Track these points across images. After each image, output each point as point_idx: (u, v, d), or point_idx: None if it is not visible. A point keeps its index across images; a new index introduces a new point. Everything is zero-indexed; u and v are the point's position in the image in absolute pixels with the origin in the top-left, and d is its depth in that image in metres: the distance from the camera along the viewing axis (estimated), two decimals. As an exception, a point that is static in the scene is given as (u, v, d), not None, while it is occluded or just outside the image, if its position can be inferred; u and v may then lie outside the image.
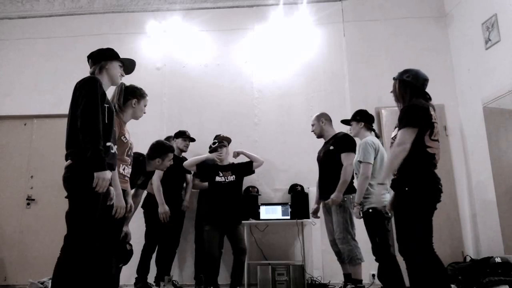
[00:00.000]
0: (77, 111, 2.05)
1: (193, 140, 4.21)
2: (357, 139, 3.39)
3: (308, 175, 4.23)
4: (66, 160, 2.09)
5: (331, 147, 3.47)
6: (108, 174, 2.03)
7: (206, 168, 3.84)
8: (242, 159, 4.02)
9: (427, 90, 2.41)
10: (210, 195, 3.81)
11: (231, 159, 4.01)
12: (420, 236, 2.18)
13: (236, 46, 5.10)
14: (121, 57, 2.41)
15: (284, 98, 4.88)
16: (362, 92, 4.73)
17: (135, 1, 5.26)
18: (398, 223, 2.29)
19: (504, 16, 3.84)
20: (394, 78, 2.47)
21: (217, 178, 3.76)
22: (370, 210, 2.95)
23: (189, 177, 4.20)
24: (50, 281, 3.88)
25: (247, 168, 3.89)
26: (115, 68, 2.37)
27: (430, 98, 2.39)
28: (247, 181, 4.52)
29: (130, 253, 2.92)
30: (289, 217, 4.19)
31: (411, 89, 2.36)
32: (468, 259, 4.01)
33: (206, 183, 3.95)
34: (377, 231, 2.96)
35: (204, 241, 3.65)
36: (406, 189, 2.23)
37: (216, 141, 3.89)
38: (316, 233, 4.40)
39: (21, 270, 4.55)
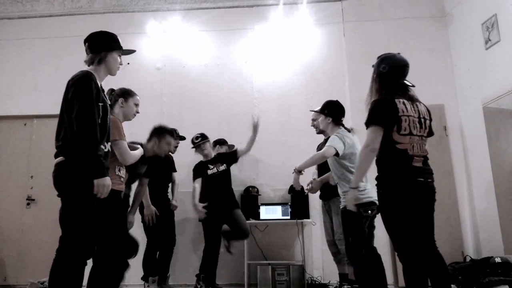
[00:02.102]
0: (71, 112, 1.96)
1: (183, 138, 4.17)
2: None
3: (308, 175, 4.22)
4: (55, 157, 2.02)
5: None
6: (108, 180, 1.97)
7: (198, 168, 3.99)
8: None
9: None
10: (206, 190, 3.88)
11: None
12: (407, 238, 2.08)
13: (236, 46, 5.10)
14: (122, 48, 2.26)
15: (284, 98, 4.89)
16: (362, 92, 4.64)
17: (135, 1, 5.27)
18: (385, 227, 2.19)
19: (504, 16, 3.84)
20: (372, 66, 2.36)
21: (209, 172, 3.88)
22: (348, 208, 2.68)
23: (175, 175, 4.15)
24: (50, 281, 3.88)
25: (233, 157, 4.00)
26: (115, 59, 2.21)
27: (407, 89, 2.25)
28: (247, 181, 4.53)
29: (136, 245, 2.90)
30: (289, 217, 4.19)
31: (385, 82, 2.25)
32: (468, 259, 4.01)
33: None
34: (351, 230, 2.71)
35: (204, 235, 3.74)
36: (380, 191, 2.16)
37: (199, 136, 4.02)
38: (316, 233, 4.40)
39: (21, 270, 4.55)
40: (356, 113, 4.65)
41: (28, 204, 4.76)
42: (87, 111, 1.93)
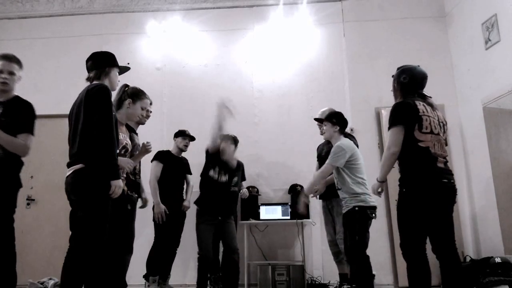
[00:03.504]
0: (91, 119, 2.07)
1: (193, 139, 4.17)
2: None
3: (308, 175, 4.22)
4: (71, 164, 2.10)
5: None
6: (121, 181, 2.14)
7: (210, 157, 3.66)
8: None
9: (427, 89, 2.45)
10: (206, 192, 3.65)
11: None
12: (419, 237, 2.16)
13: (236, 46, 5.10)
14: (118, 60, 2.43)
15: (284, 98, 4.89)
16: (362, 92, 4.74)
17: (135, 1, 5.27)
18: (399, 225, 2.26)
19: (504, 16, 3.84)
20: (392, 76, 2.49)
21: (210, 172, 3.59)
22: (357, 208, 2.82)
23: (190, 177, 4.17)
24: (50, 281, 3.90)
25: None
26: (116, 75, 2.40)
27: (425, 97, 2.41)
28: (247, 181, 4.52)
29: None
30: (289, 217, 4.19)
31: (406, 90, 2.39)
32: (468, 259, 4.01)
33: None
34: (358, 230, 2.81)
35: (197, 238, 3.59)
36: (404, 190, 2.23)
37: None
38: (316, 233, 4.40)
39: (21, 270, 4.52)
40: (356, 113, 4.67)
41: (28, 204, 4.76)
42: (108, 118, 2.09)
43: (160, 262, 3.77)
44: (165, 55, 5.11)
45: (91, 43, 4.70)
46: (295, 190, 4.34)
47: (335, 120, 3.11)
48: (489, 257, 3.62)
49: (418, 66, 2.47)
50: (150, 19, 5.19)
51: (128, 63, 4.92)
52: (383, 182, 2.41)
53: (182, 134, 4.08)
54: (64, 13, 5.31)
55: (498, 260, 3.51)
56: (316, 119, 3.64)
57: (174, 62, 5.09)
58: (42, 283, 3.86)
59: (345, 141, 3.02)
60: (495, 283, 3.35)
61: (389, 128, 2.29)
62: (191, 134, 4.15)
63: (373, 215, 2.84)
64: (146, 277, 3.73)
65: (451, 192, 2.22)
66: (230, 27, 5.14)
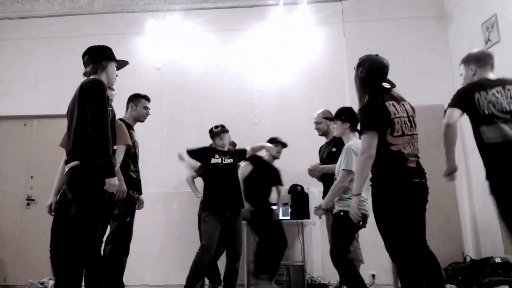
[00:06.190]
0: (85, 114, 2.06)
1: (285, 145, 4.24)
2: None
3: (308, 175, 4.22)
4: (69, 161, 2.09)
5: (334, 149, 3.37)
6: (116, 180, 2.08)
7: (204, 150, 3.62)
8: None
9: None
10: (209, 182, 3.54)
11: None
12: (400, 238, 2.11)
13: (236, 46, 5.10)
14: (117, 57, 2.43)
15: (284, 98, 4.89)
16: (362, 92, 4.73)
17: (135, 1, 5.27)
18: (378, 228, 2.20)
19: (504, 16, 3.84)
20: (354, 68, 2.36)
21: (213, 160, 3.49)
22: (342, 213, 2.68)
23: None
24: (50, 281, 3.90)
25: (242, 155, 3.74)
26: (113, 69, 2.38)
27: (390, 88, 2.27)
28: (247, 181, 4.52)
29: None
30: (289, 217, 4.19)
31: (366, 85, 2.26)
32: (468, 259, 4.01)
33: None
34: (341, 236, 2.69)
35: (201, 232, 3.52)
36: (376, 192, 2.17)
37: (218, 125, 3.64)
38: (316, 233, 4.40)
39: (21, 270, 4.55)
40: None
41: (28, 204, 4.76)
42: (101, 113, 2.05)
43: (269, 261, 3.82)
44: (165, 55, 5.11)
45: (91, 43, 4.66)
46: (295, 190, 4.33)
47: (344, 117, 2.91)
48: (489, 257, 3.62)
49: (376, 55, 2.30)
50: (150, 19, 5.19)
51: (128, 63, 4.96)
52: (359, 195, 2.23)
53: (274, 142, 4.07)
54: (64, 13, 5.31)
55: (498, 260, 3.51)
56: (326, 118, 3.54)
57: (174, 62, 5.09)
58: (42, 283, 3.86)
59: (355, 144, 2.79)
60: (495, 283, 3.35)
61: (361, 132, 2.16)
62: (191, 134, 4.14)
63: (360, 223, 2.54)
64: (255, 275, 3.78)
65: (422, 191, 2.16)
66: (230, 27, 5.14)
